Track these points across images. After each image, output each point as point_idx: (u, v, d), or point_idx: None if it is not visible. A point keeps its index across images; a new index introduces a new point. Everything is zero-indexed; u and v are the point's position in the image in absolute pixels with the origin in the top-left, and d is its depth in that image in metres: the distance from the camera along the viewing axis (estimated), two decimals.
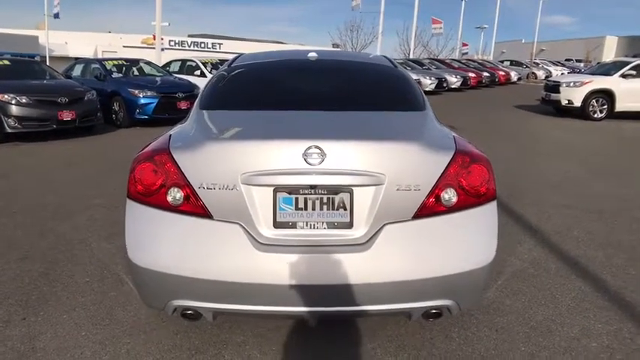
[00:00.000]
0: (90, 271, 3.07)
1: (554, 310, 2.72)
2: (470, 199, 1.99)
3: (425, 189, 1.92)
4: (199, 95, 2.67)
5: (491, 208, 2.05)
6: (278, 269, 1.83)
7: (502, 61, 34.66)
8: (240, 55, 3.33)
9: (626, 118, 11.61)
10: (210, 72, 11.52)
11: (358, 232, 1.90)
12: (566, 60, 41.69)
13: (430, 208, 1.94)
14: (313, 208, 1.89)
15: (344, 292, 1.86)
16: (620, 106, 11.47)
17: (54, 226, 3.91)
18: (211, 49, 42.14)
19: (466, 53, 44.15)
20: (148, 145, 2.15)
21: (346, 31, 37.56)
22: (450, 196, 1.95)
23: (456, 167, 1.96)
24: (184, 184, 1.89)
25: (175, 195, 1.90)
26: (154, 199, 1.93)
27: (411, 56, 29.49)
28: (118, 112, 9.55)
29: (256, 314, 1.99)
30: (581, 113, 11.72)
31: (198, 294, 1.89)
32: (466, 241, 1.98)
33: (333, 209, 1.89)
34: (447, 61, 25.14)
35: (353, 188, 1.88)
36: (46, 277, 2.99)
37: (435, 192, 1.93)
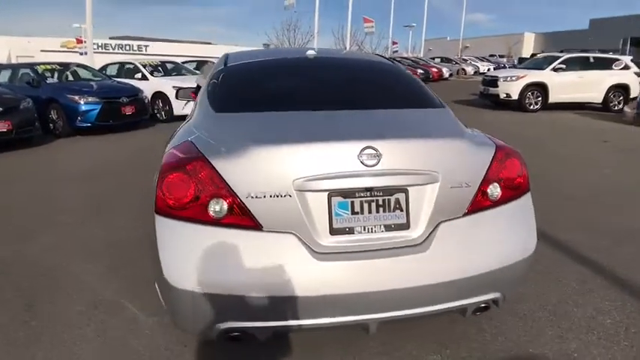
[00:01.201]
0: (80, 299, 2.75)
1: (564, 293, 2.83)
2: (510, 192, 2.01)
3: (474, 185, 1.91)
4: (204, 97, 2.48)
5: (527, 199, 2.09)
6: (338, 279, 1.73)
7: (433, 58, 36.17)
8: (228, 54, 3.17)
9: (558, 109, 12.51)
10: (151, 74, 10.87)
11: (415, 232, 1.84)
12: (490, 56, 44.27)
13: (478, 203, 1.93)
14: (370, 212, 1.80)
15: (406, 296, 1.79)
16: (554, 97, 12.34)
17: (21, 248, 3.49)
18: (137, 52, 40.13)
19: (396, 51, 45.59)
20: (170, 154, 1.95)
21: (283, 30, 37.23)
22: (494, 190, 1.97)
23: (497, 163, 1.98)
24: (228, 194, 1.72)
25: (218, 207, 1.73)
26: (190, 212, 1.75)
27: None
28: (56, 120, 8.76)
29: (314, 328, 1.86)
30: (518, 105, 12.46)
31: (250, 313, 1.73)
32: (513, 233, 1.99)
33: (389, 211, 1.82)
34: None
35: (408, 188, 1.82)
36: (32, 311, 2.63)
37: (482, 187, 1.94)
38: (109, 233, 3.74)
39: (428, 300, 1.84)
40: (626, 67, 12.45)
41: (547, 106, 12.45)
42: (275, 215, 1.73)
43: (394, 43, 46.25)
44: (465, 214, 1.91)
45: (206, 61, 14.51)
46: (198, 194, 1.73)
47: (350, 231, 1.78)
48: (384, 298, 1.77)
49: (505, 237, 1.97)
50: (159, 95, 10.19)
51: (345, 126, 2.01)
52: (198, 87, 3.43)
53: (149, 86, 10.11)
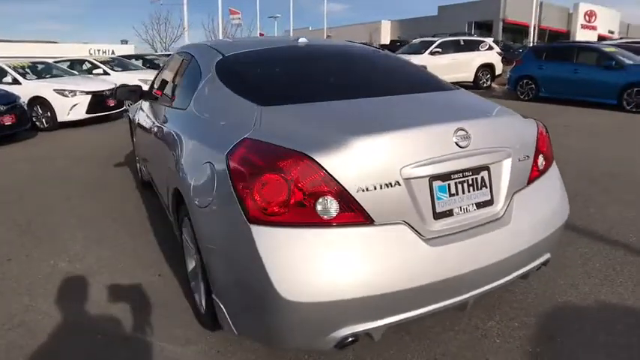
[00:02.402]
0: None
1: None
2: (548, 163, 2.24)
3: (531, 157, 2.08)
4: (218, 92, 2.28)
5: (556, 168, 2.34)
6: (449, 262, 1.76)
7: None
8: (205, 45, 2.94)
9: None
10: (24, 77, 9.31)
11: (498, 206, 1.94)
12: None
13: (534, 173, 2.11)
14: (463, 192, 1.85)
15: (497, 268, 1.89)
16: None
17: None
18: None
19: None
20: (247, 155, 1.73)
21: (152, 24, 34.51)
22: (541, 161, 2.17)
23: (541, 136, 2.18)
24: (338, 191, 1.61)
25: (327, 205, 1.61)
26: (294, 216, 1.60)
27: None
28: None
29: (422, 316, 1.84)
30: None
31: (368, 314, 1.67)
32: (558, 198, 2.22)
33: (477, 189, 1.89)
34: None
35: (490, 165, 1.91)
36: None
37: (535, 159, 2.11)
38: None
39: (511, 268, 1.97)
40: (490, 48, 14.23)
41: None
42: (385, 206, 1.68)
43: (261, 34, 46.34)
44: (528, 185, 2.07)
45: (83, 60, 12.89)
46: (303, 194, 1.60)
47: (450, 213, 1.81)
48: (482, 273, 1.85)
49: (554, 202, 2.18)
50: (37, 100, 8.80)
51: (425, 110, 2.01)
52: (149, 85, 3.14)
53: (23, 91, 8.66)
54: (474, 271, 1.80)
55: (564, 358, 2.09)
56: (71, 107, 8.80)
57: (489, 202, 1.92)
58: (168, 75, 3.09)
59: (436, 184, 1.78)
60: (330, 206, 1.62)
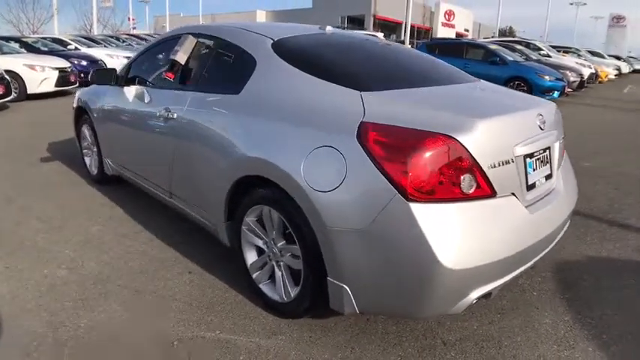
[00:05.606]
0: None
1: None
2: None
3: (561, 138, 2.48)
4: (302, 78, 2.27)
5: None
6: (540, 227, 2.07)
7: None
8: (240, 28, 2.82)
9: None
10: None
11: (554, 179, 2.32)
12: None
13: (563, 151, 2.53)
14: (538, 167, 2.16)
15: (559, 230, 2.27)
16: None
17: None
18: None
19: (135, 28, 42.49)
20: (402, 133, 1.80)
21: (17, 3, 29.49)
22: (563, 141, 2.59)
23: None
24: (476, 168, 1.81)
25: (469, 181, 1.80)
26: (446, 192, 1.76)
27: (95, 33, 26.14)
28: None
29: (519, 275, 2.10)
30: None
31: (495, 275, 1.89)
32: (573, 173, 2.67)
33: (544, 165, 2.22)
34: (143, 36, 23.71)
35: (550, 145, 2.25)
36: None
37: (562, 140, 2.52)
38: None
39: (560, 231, 2.35)
40: None
41: None
42: (504, 181, 1.91)
43: (130, 19, 42.78)
44: (562, 163, 2.48)
45: None
46: (452, 172, 1.76)
47: (533, 185, 2.11)
48: (553, 234, 2.20)
49: (571, 175, 2.63)
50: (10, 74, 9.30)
51: (498, 97, 2.28)
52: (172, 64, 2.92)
53: None
54: (552, 232, 2.15)
55: (591, 300, 2.57)
56: (41, 81, 9.88)
57: (550, 176, 2.27)
58: (180, 58, 2.84)
59: (527, 160, 2.06)
60: (471, 182, 1.80)
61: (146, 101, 3.17)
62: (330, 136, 1.92)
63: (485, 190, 1.86)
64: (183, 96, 2.80)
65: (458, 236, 1.75)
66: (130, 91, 3.35)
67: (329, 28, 2.95)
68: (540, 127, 2.11)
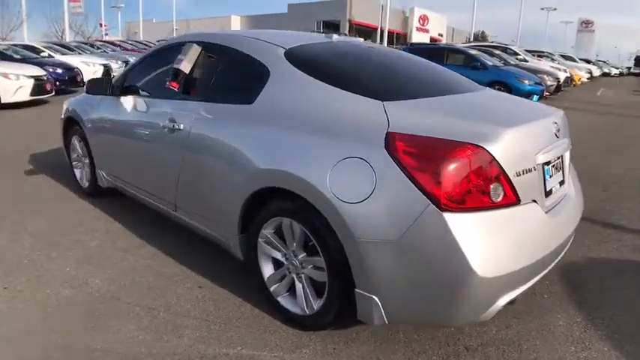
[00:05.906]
0: None
1: None
2: None
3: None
4: (320, 87, 2.24)
5: None
6: (558, 232, 2.13)
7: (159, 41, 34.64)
8: (247, 36, 2.81)
9: None
10: None
11: (567, 185, 2.38)
12: None
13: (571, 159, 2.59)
14: (553, 174, 2.21)
15: (572, 234, 2.32)
16: None
17: None
18: None
19: (107, 34, 41.76)
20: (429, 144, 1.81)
21: None
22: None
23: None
24: (503, 177, 1.83)
25: (497, 190, 1.83)
26: (476, 201, 1.77)
27: (67, 39, 25.50)
28: None
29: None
30: None
31: (519, 282, 1.91)
32: (577, 178, 2.74)
33: (557, 172, 2.27)
34: (117, 42, 23.24)
35: (563, 153, 2.31)
36: None
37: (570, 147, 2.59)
38: None
39: (573, 235, 2.39)
40: None
41: None
42: (527, 188, 1.95)
43: (101, 25, 42.05)
44: (570, 170, 2.54)
45: None
46: (482, 181, 1.78)
47: (550, 192, 2.16)
48: (567, 239, 2.25)
49: (577, 181, 2.69)
50: None
51: (513, 106, 2.33)
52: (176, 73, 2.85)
53: None
54: (568, 235, 2.21)
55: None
56: (16, 90, 9.44)
57: (563, 182, 2.33)
58: (185, 67, 2.78)
59: (545, 167, 2.10)
60: (498, 191, 1.83)
61: (146, 111, 3.09)
62: (356, 146, 1.91)
63: (511, 198, 1.88)
64: (190, 106, 2.74)
65: (489, 244, 1.77)
66: (128, 100, 3.26)
67: (335, 36, 2.95)
68: (556, 135, 2.16)
